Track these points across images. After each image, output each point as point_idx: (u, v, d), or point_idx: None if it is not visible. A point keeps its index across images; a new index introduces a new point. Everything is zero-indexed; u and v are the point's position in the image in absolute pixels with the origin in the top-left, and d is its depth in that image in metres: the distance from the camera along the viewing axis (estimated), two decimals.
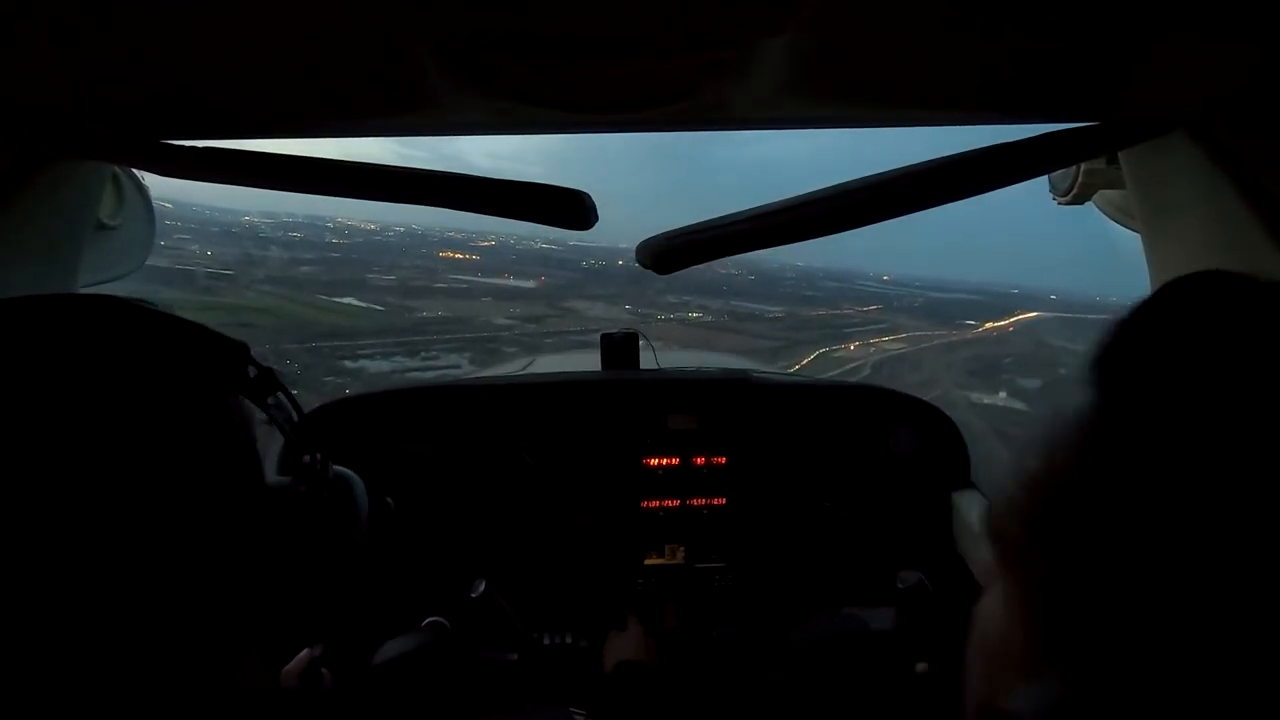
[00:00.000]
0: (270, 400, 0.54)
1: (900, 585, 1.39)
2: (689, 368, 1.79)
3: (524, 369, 2.29)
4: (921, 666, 1.36)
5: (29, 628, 0.38)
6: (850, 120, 0.80)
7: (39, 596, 0.38)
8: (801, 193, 0.69)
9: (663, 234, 0.73)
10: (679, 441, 1.60)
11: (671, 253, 0.71)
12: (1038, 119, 0.74)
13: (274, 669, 0.81)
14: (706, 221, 0.71)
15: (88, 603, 0.39)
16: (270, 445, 1.31)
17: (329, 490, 0.65)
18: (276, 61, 0.58)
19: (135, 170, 1.05)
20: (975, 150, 0.67)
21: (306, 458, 0.60)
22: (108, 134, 0.78)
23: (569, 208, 0.72)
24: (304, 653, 1.02)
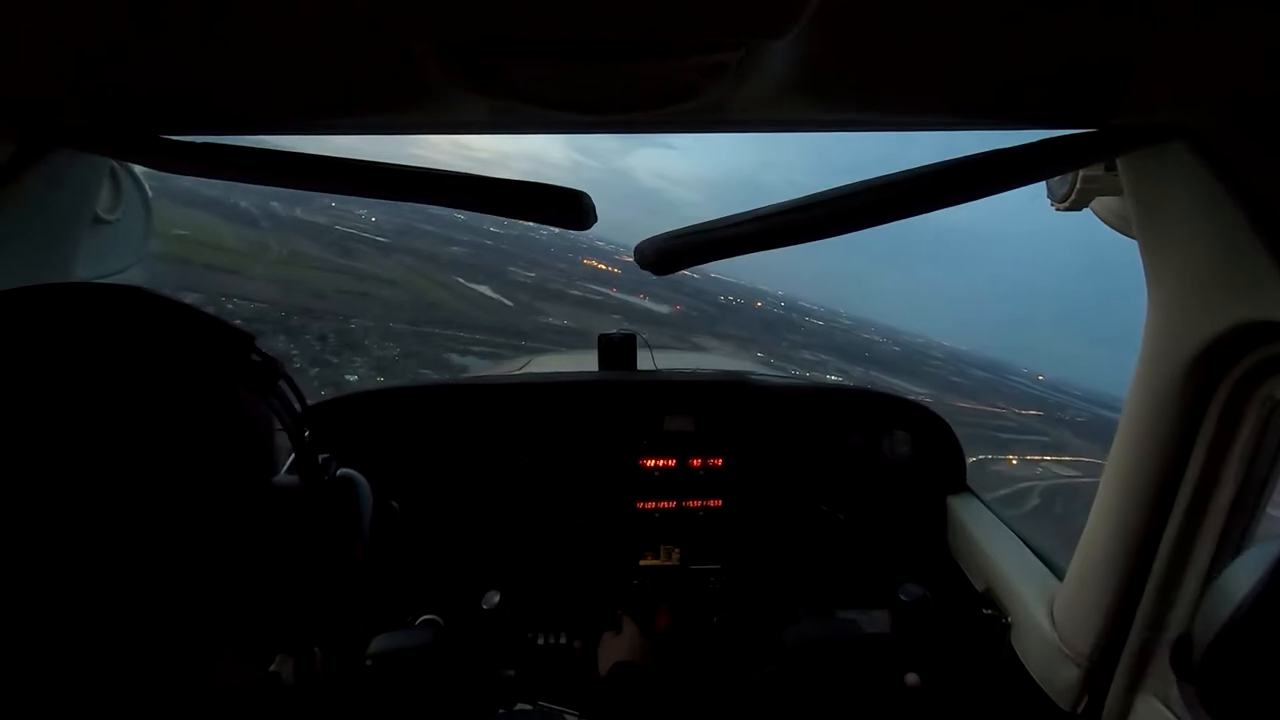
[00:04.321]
0: (272, 391, 0.54)
1: (903, 598, 1.40)
2: (686, 369, 1.79)
3: (521, 369, 2.28)
4: (912, 679, 1.36)
5: (8, 614, 0.38)
6: (849, 123, 0.80)
7: (18, 584, 0.38)
8: (801, 195, 0.70)
9: (663, 234, 0.73)
10: (675, 443, 1.60)
11: (672, 253, 0.71)
12: (1037, 125, 0.74)
13: (261, 664, 0.80)
14: (708, 222, 0.70)
15: (62, 589, 0.39)
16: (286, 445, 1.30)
17: (332, 490, 0.64)
18: (276, 59, 0.58)
19: (133, 165, 1.05)
20: (974, 155, 0.67)
21: (308, 453, 0.59)
22: (108, 128, 0.78)
23: (568, 207, 0.72)
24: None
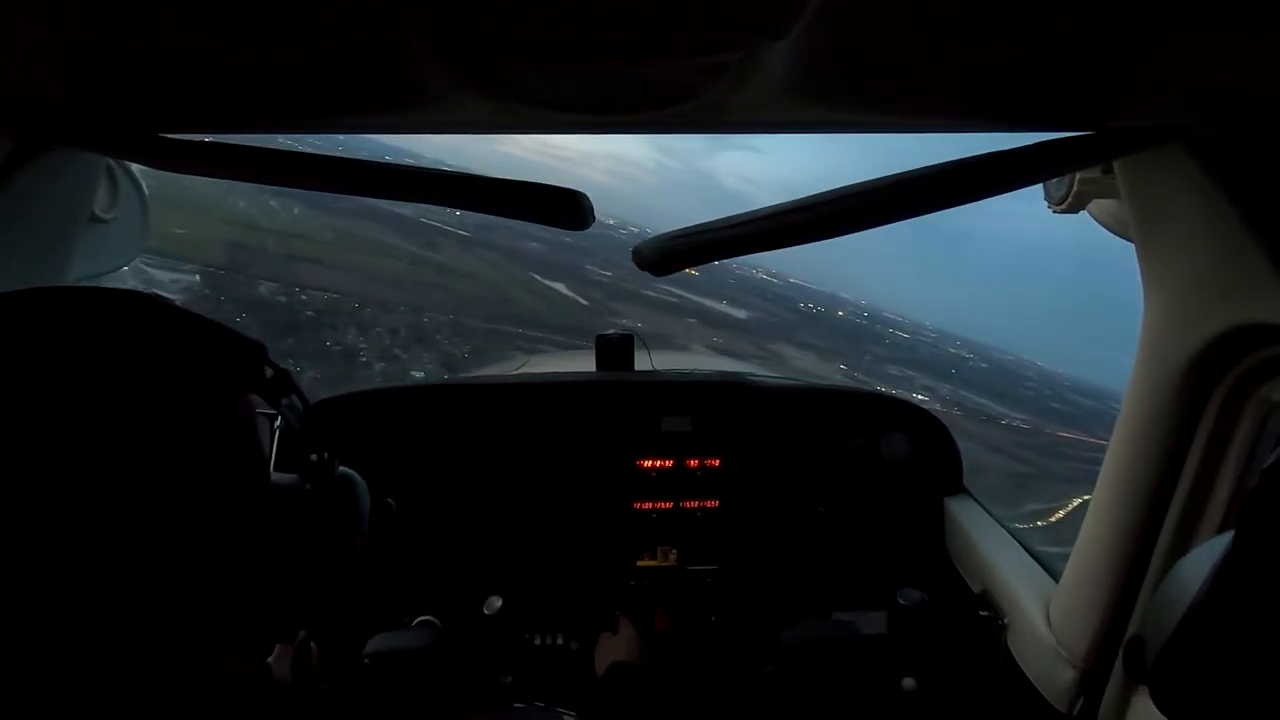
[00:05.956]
0: (284, 401, 0.55)
1: (902, 602, 1.40)
2: (684, 370, 1.79)
3: (519, 369, 2.28)
4: (909, 683, 1.37)
5: (17, 616, 0.38)
6: (848, 125, 0.80)
7: (28, 586, 0.38)
8: (799, 197, 0.70)
9: (663, 234, 0.73)
10: (673, 443, 1.60)
11: (672, 253, 0.71)
12: (1034, 127, 0.74)
13: (261, 659, 0.80)
14: (707, 223, 0.71)
15: (74, 591, 0.39)
16: (273, 440, 1.30)
17: (334, 490, 0.65)
18: (275, 57, 0.58)
19: (131, 164, 1.05)
20: (972, 157, 0.67)
21: (314, 456, 0.60)
22: (105, 127, 0.78)
23: (566, 207, 0.72)
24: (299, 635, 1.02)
